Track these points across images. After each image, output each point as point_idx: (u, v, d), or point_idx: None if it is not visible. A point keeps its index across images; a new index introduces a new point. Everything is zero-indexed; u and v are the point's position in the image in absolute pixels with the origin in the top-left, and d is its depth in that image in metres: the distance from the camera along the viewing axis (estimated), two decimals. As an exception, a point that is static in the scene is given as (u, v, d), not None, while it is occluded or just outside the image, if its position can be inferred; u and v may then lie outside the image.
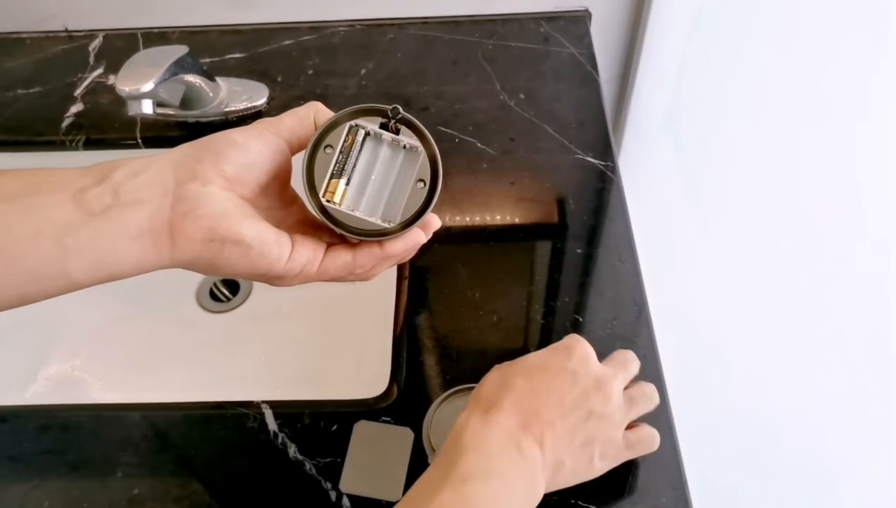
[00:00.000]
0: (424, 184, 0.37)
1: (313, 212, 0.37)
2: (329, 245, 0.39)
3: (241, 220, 0.35)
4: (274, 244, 0.36)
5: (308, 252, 0.38)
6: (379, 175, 0.37)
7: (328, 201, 0.36)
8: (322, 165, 0.37)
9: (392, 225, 0.37)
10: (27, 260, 0.32)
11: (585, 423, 0.45)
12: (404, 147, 0.37)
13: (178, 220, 0.34)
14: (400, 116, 0.37)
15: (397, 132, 0.37)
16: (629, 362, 0.50)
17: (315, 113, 0.39)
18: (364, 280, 0.42)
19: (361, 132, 0.37)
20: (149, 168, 0.35)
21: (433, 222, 0.39)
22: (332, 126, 0.37)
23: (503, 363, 0.48)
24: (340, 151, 0.37)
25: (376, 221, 0.37)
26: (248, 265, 0.36)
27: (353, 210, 0.37)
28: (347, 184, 0.37)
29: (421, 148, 0.37)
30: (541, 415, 0.43)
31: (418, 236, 0.39)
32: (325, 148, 0.37)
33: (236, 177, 0.36)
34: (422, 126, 0.37)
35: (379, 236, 0.37)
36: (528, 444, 0.42)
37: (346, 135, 0.37)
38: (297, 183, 0.38)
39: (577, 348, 0.47)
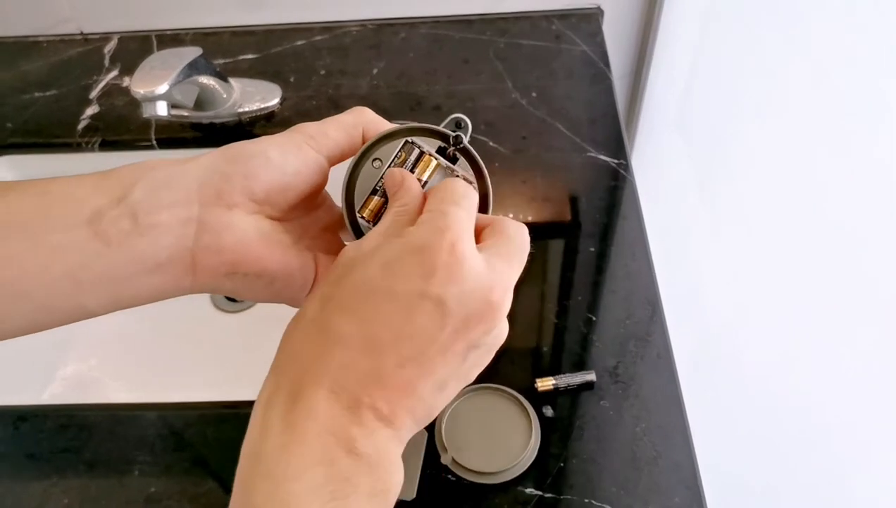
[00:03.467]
0: None
1: (346, 225, 0.34)
2: None
3: (265, 252, 0.32)
4: (298, 274, 0.33)
5: None
6: None
7: (363, 218, 0.34)
8: (366, 178, 0.34)
9: None
10: (38, 295, 0.30)
11: (462, 365, 0.30)
12: (457, 178, 0.34)
13: (200, 253, 0.31)
14: (462, 145, 0.34)
15: (454, 161, 0.34)
16: (524, 244, 0.32)
17: (365, 125, 0.35)
18: None
19: (416, 151, 0.34)
20: (171, 184, 0.31)
21: None
22: (385, 138, 0.34)
23: (316, 287, 0.32)
24: (389, 168, 0.34)
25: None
26: (272, 294, 0.34)
27: None
28: (386, 205, 0.33)
29: (475, 183, 0.34)
30: (388, 378, 0.28)
31: None
32: (373, 161, 0.34)
33: (266, 200, 0.32)
34: (481, 161, 0.34)
35: None
36: (368, 431, 0.27)
37: (400, 151, 0.34)
38: (335, 191, 0.36)
39: (439, 253, 0.28)
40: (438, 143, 0.34)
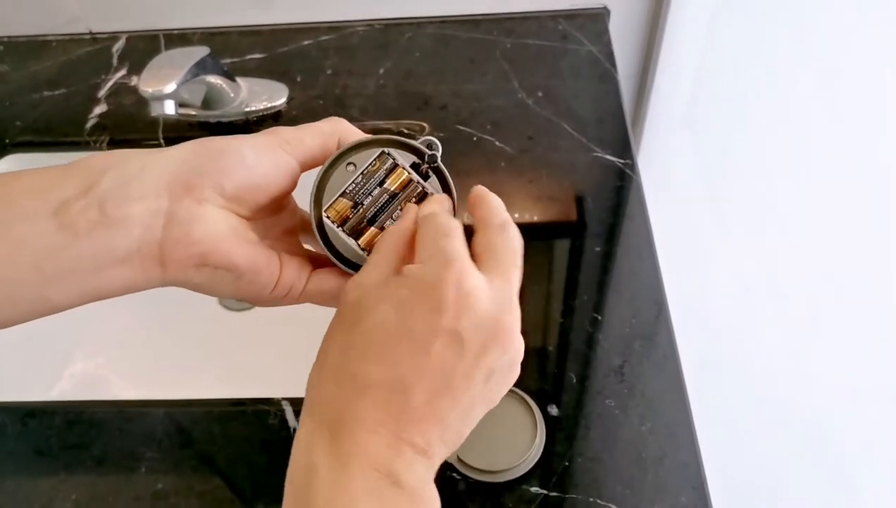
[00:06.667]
0: None
1: (311, 223, 0.35)
2: (315, 265, 0.37)
3: (236, 246, 0.33)
4: (265, 271, 0.34)
5: (293, 275, 0.35)
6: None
7: (328, 218, 0.35)
8: (338, 180, 0.35)
9: None
10: (1, 286, 0.29)
11: (485, 388, 0.31)
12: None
13: (169, 245, 0.31)
14: (435, 164, 0.35)
15: (426, 178, 0.35)
16: (517, 251, 0.34)
17: (341, 134, 0.36)
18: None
19: (390, 162, 0.35)
20: (141, 175, 0.31)
21: None
22: (363, 145, 0.35)
23: (332, 331, 0.33)
24: (362, 173, 0.35)
25: (367, 255, 0.35)
26: (238, 290, 0.34)
27: (348, 236, 0.35)
28: (354, 209, 0.35)
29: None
30: (420, 413, 0.29)
31: None
32: (347, 165, 0.35)
33: (236, 197, 0.33)
34: (451, 182, 0.35)
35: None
36: (408, 464, 0.29)
37: (375, 159, 0.35)
38: (300, 196, 0.37)
39: (447, 290, 0.30)
40: (413, 158, 0.35)
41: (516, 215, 0.68)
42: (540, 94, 0.79)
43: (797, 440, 0.69)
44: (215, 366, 0.70)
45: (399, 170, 0.35)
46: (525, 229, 0.67)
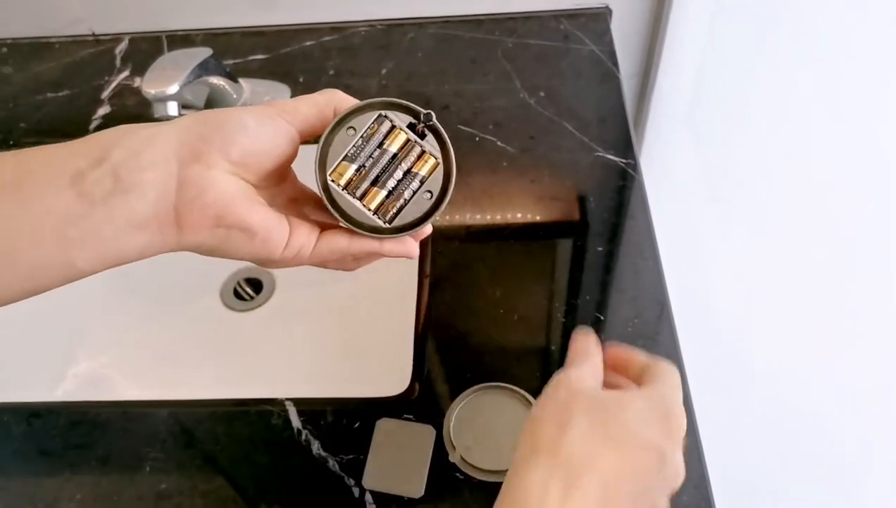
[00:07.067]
0: (431, 196, 0.37)
1: (317, 188, 0.37)
2: (322, 229, 0.38)
3: (248, 206, 0.34)
4: (276, 231, 0.35)
5: (303, 236, 0.37)
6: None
7: (333, 182, 0.36)
8: (339, 144, 0.36)
9: (387, 225, 0.37)
10: (29, 256, 0.31)
11: (644, 500, 0.35)
12: (424, 153, 0.37)
13: (184, 207, 0.33)
14: (431, 122, 0.36)
15: (423, 137, 0.37)
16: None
17: (336, 103, 0.37)
18: (346, 270, 0.41)
19: (388, 124, 0.36)
20: (151, 145, 0.33)
21: (425, 231, 0.38)
22: (361, 109, 0.36)
23: (579, 389, 0.37)
24: (361, 137, 0.36)
25: (372, 215, 0.37)
26: (251, 251, 0.35)
27: (353, 198, 0.36)
28: (357, 171, 0.36)
29: (440, 160, 0.37)
30: (617, 504, 0.33)
31: (412, 248, 0.38)
32: (347, 129, 0.36)
33: (241, 162, 0.35)
34: (447, 139, 0.37)
35: (371, 231, 0.37)
36: None
37: (373, 122, 0.36)
38: (301, 169, 0.38)
39: (677, 420, 0.36)
40: (409, 119, 0.37)
41: (518, 216, 0.68)
42: (542, 93, 0.79)
43: (799, 439, 0.69)
44: (219, 366, 0.70)
45: (396, 131, 0.36)
46: (527, 228, 0.67)
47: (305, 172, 0.39)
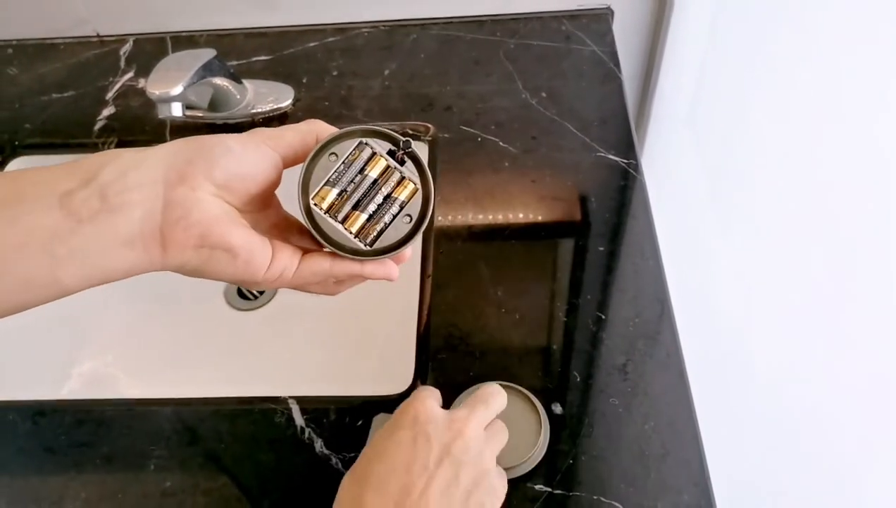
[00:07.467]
0: (410, 220, 0.38)
1: (300, 212, 0.38)
2: (304, 252, 0.39)
3: (231, 227, 0.35)
4: (258, 252, 0.36)
5: (286, 259, 0.38)
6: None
7: (315, 205, 0.37)
8: (322, 169, 0.37)
9: (368, 248, 0.38)
10: (16, 271, 0.32)
11: (457, 477, 0.41)
12: (403, 179, 0.38)
13: (169, 226, 0.34)
14: (410, 149, 0.38)
15: (402, 163, 0.38)
16: (490, 396, 0.46)
17: (318, 131, 0.39)
18: (328, 294, 0.42)
19: (368, 151, 0.38)
20: (138, 166, 0.34)
21: (405, 253, 0.40)
22: (343, 136, 0.38)
23: (353, 475, 0.43)
24: (343, 162, 0.37)
25: (354, 238, 0.38)
26: (234, 272, 0.36)
27: (335, 221, 0.38)
28: (339, 195, 0.37)
29: (419, 186, 0.38)
30: (411, 493, 0.39)
31: (392, 270, 0.40)
32: (329, 154, 0.37)
33: (226, 185, 0.36)
34: (426, 166, 0.38)
35: (352, 253, 0.38)
36: None
37: (354, 149, 0.38)
38: (285, 198, 0.39)
39: (416, 406, 0.43)
40: (389, 146, 0.38)
41: (520, 216, 0.68)
42: (543, 94, 0.79)
43: (799, 438, 0.69)
44: (223, 365, 0.71)
45: (377, 158, 0.38)
46: (529, 228, 0.67)
47: (289, 200, 0.40)
